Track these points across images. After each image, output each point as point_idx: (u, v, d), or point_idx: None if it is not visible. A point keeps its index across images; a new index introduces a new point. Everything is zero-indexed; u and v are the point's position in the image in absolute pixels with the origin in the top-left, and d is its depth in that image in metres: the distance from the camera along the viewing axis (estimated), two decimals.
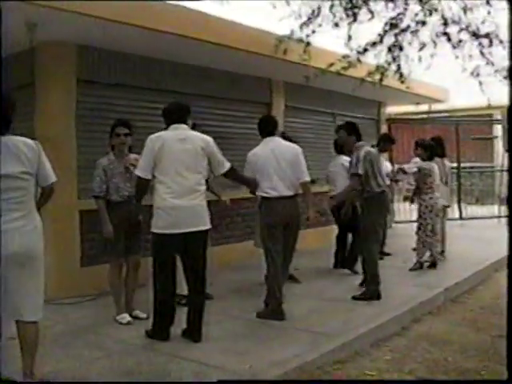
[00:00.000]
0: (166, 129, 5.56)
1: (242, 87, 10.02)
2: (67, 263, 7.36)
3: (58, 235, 7.17)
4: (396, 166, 11.60)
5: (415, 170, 9.15)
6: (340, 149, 8.72)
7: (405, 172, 10.21)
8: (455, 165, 16.25)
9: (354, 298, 7.07)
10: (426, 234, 8.85)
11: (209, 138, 5.59)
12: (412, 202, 9.43)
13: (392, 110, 16.49)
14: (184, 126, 5.55)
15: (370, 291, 7.09)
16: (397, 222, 13.76)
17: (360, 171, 7.01)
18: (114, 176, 6.16)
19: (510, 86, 4.14)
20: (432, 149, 9.11)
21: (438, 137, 10.04)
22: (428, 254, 8.94)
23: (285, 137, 7.09)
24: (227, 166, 5.66)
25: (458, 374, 5.04)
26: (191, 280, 5.54)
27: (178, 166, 5.33)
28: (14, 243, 4.07)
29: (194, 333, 5.50)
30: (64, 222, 7.35)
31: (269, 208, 6.35)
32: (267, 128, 6.62)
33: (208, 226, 5.54)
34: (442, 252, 9.83)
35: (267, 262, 6.45)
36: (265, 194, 6.36)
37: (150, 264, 5.53)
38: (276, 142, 6.56)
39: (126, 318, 6.20)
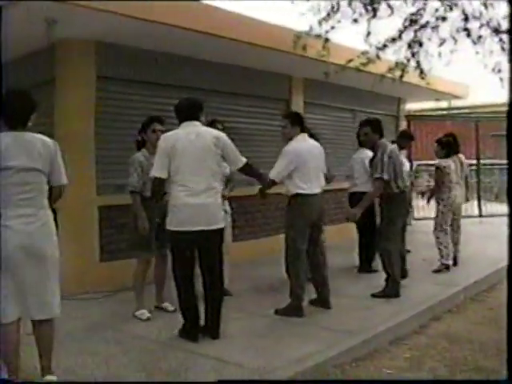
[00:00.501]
0: (178, 125, 5.56)
1: (261, 83, 10.01)
2: (86, 258, 7.40)
3: (78, 231, 7.21)
4: (415, 164, 11.52)
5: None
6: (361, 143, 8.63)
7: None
8: (474, 162, 16.17)
9: (374, 295, 7.04)
10: (445, 233, 8.71)
11: (221, 134, 5.58)
12: (428, 201, 9.22)
13: (412, 106, 16.43)
14: (196, 122, 5.50)
15: (389, 289, 7.06)
16: (416, 219, 13.67)
17: (385, 176, 6.89)
18: (148, 172, 6.17)
19: (509, 87, 4.08)
20: (449, 146, 9.00)
21: (452, 133, 9.94)
22: (445, 253, 8.73)
23: (311, 134, 7.03)
24: (243, 160, 5.64)
25: (477, 372, 4.98)
26: (208, 277, 5.53)
27: (191, 164, 5.32)
28: (17, 240, 4.05)
29: (212, 330, 5.50)
30: (83, 217, 7.38)
31: (305, 205, 6.35)
32: (301, 124, 6.60)
33: (222, 225, 5.53)
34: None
35: (291, 258, 6.43)
36: (301, 191, 6.33)
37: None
38: (309, 140, 6.61)
39: (145, 313, 6.22)
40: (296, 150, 6.36)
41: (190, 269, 5.46)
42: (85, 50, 7.41)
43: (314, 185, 6.42)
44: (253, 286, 7.69)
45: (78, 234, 7.24)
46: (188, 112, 5.53)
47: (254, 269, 8.70)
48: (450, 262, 8.68)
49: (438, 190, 8.74)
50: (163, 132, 6.06)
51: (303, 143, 6.49)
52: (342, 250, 9.76)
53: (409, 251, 9.36)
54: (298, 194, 6.36)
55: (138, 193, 6.19)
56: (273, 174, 6.35)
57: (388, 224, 7.13)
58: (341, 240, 10.24)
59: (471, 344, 5.72)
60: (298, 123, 6.53)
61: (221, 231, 5.52)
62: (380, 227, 7.28)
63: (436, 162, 9.02)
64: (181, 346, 5.29)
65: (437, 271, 8.55)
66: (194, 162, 5.33)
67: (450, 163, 8.82)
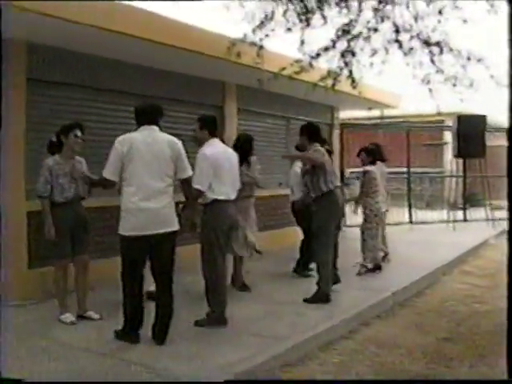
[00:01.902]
0: (136, 129, 5.54)
1: (194, 89, 9.97)
2: (15, 265, 7.22)
3: (7, 236, 7.03)
4: (348, 171, 11.71)
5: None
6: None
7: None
8: (405, 170, 16.54)
9: (305, 300, 7.11)
10: (371, 238, 8.94)
11: (176, 140, 5.59)
12: (356, 210, 9.47)
13: (346, 114, 16.66)
14: (154, 127, 5.52)
15: (320, 294, 7.15)
16: (346, 226, 13.87)
17: None
18: (58, 177, 6.15)
19: (509, 94, 4.21)
20: (374, 154, 9.29)
21: (376, 143, 10.27)
22: (370, 257, 8.98)
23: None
24: (189, 173, 5.66)
25: (404, 377, 5.11)
26: (159, 282, 5.55)
27: (146, 169, 5.32)
28: None
29: (160, 335, 5.49)
30: (12, 223, 7.21)
31: (223, 211, 6.25)
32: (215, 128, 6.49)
33: (175, 228, 5.52)
34: (386, 255, 9.97)
35: (209, 268, 6.26)
36: (219, 197, 6.18)
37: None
38: (222, 145, 6.54)
39: (69, 317, 6.19)
40: (212, 155, 6.17)
41: (139, 273, 5.47)
42: (15, 51, 7.23)
43: (230, 190, 6.35)
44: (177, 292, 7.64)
45: (8, 239, 7.07)
46: (148, 116, 5.55)
47: (188, 275, 8.57)
48: (370, 266, 8.92)
49: (366, 195, 8.93)
50: (83, 140, 6.16)
51: (217, 147, 6.33)
52: (275, 256, 9.84)
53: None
54: (215, 201, 6.20)
55: (46, 198, 6.13)
56: (196, 183, 5.99)
57: (319, 225, 7.24)
58: (275, 246, 10.32)
59: (399, 349, 5.85)
60: (206, 127, 6.34)
61: (173, 235, 5.51)
62: (312, 229, 7.37)
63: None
64: (109, 352, 5.24)
65: (359, 274, 8.77)
66: (149, 166, 5.32)
67: (375, 169, 9.09)
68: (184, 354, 5.21)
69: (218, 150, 6.31)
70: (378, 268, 8.97)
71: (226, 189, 6.27)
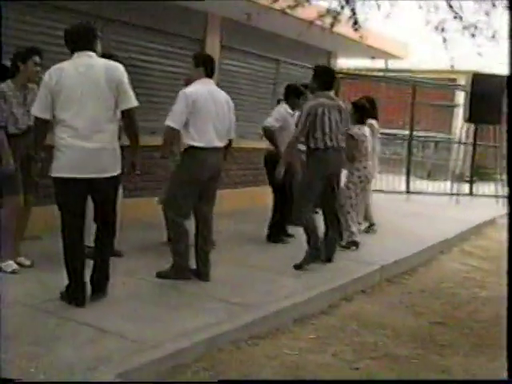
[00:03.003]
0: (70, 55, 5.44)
1: (172, 18, 9.86)
2: None
3: None
4: None
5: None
6: (286, 97, 8.74)
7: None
8: (407, 132, 16.55)
9: (296, 266, 7.22)
10: (352, 207, 8.76)
11: (117, 65, 5.48)
12: None
13: (346, 63, 16.59)
14: (90, 53, 5.39)
15: (311, 254, 7.27)
16: None
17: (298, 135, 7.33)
18: (12, 106, 6.10)
19: (508, 90, 4.23)
20: (363, 110, 9.06)
21: (369, 96, 10.14)
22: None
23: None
24: (134, 103, 5.50)
25: (388, 360, 5.19)
26: (101, 230, 5.62)
27: (79, 102, 5.24)
28: None
29: (99, 286, 5.59)
30: None
31: (197, 159, 6.32)
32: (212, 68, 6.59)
33: (117, 172, 5.51)
34: (372, 225, 10.08)
35: (173, 220, 6.48)
36: (196, 143, 6.27)
37: (50, 212, 5.47)
38: (213, 86, 6.57)
39: (11, 265, 6.20)
40: (192, 94, 6.26)
41: (78, 222, 5.45)
42: None
43: (211, 137, 6.36)
44: (143, 247, 7.73)
45: None
46: (81, 40, 5.40)
47: (143, 230, 8.61)
48: (359, 239, 8.79)
49: (352, 160, 8.67)
50: (40, 66, 6.09)
51: (203, 87, 6.38)
52: (251, 217, 9.88)
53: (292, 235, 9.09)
54: (191, 147, 6.30)
55: (1, 128, 6.08)
56: (170, 120, 6.24)
57: (302, 187, 7.31)
58: (251, 205, 10.36)
59: (384, 329, 5.95)
60: (202, 65, 6.47)
61: (115, 179, 5.52)
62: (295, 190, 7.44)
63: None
64: (54, 310, 5.25)
65: (344, 247, 8.57)
66: (82, 98, 5.24)
67: (365, 130, 8.92)
68: (140, 317, 5.25)
69: (203, 90, 6.35)
70: (354, 244, 8.72)
71: (207, 134, 6.32)
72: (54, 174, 5.37)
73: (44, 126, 5.42)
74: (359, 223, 9.18)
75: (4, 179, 6.11)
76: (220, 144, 6.47)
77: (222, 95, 6.61)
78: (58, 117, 5.30)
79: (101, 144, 5.32)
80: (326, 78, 7.51)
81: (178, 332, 4.96)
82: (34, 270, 6.35)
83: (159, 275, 6.42)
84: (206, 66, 6.49)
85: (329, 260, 7.62)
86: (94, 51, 5.45)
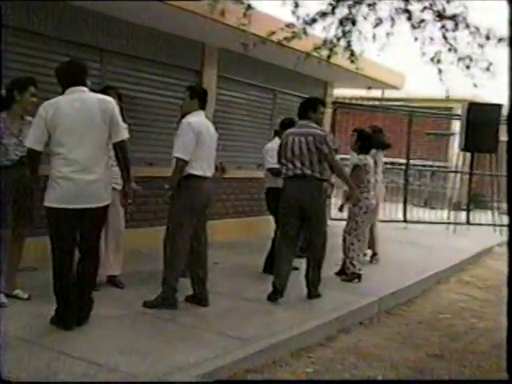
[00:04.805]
0: (62, 93, 5.52)
1: (170, 49, 9.92)
2: None
3: None
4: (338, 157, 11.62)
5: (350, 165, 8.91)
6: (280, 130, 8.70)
7: None
8: (403, 161, 16.55)
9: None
10: (358, 240, 8.73)
11: (109, 99, 5.65)
12: (341, 208, 9.13)
13: (342, 93, 16.61)
14: (82, 88, 5.52)
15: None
16: (331, 219, 13.84)
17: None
18: (3, 137, 6.09)
19: (509, 90, 4.22)
20: (370, 140, 8.99)
21: (375, 126, 10.14)
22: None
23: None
24: (125, 135, 5.64)
25: None
26: (85, 257, 5.70)
27: (76, 136, 5.36)
28: None
29: (84, 312, 5.67)
30: None
31: (197, 188, 6.50)
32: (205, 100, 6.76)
33: (106, 202, 5.61)
34: (375, 255, 10.04)
35: (171, 247, 6.53)
36: (196, 172, 6.45)
37: (43, 245, 5.47)
38: (206, 120, 6.77)
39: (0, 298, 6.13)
40: (197, 126, 6.48)
41: (69, 250, 5.56)
42: None
43: (205, 166, 6.59)
44: (140, 279, 7.69)
45: None
46: (72, 77, 5.54)
47: (146, 261, 8.56)
48: (363, 272, 8.66)
49: (356, 191, 8.36)
50: (35, 97, 6.16)
51: (201, 119, 6.63)
52: (247, 248, 9.84)
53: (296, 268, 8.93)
54: (190, 176, 6.46)
55: None
56: (180, 152, 6.38)
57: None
58: (247, 236, 10.32)
59: (382, 362, 5.89)
60: (197, 97, 6.66)
61: (105, 209, 5.64)
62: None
63: (350, 156, 9.13)
64: (48, 344, 5.20)
65: (347, 280, 8.53)
66: (78, 133, 5.36)
67: (369, 160, 8.86)
68: (135, 350, 5.18)
69: (202, 123, 6.60)
70: (357, 277, 8.60)
71: (203, 164, 6.53)
72: (48, 204, 5.45)
73: (38, 157, 5.52)
74: (364, 254, 9.16)
75: None
76: (211, 174, 6.69)
77: (212, 127, 6.83)
78: (55, 151, 5.41)
79: (97, 176, 5.44)
80: (300, 108, 7.56)
81: (174, 366, 4.89)
82: (30, 302, 6.31)
83: (146, 305, 6.45)
84: (200, 98, 6.67)
85: (309, 297, 7.45)
86: (86, 86, 5.58)
